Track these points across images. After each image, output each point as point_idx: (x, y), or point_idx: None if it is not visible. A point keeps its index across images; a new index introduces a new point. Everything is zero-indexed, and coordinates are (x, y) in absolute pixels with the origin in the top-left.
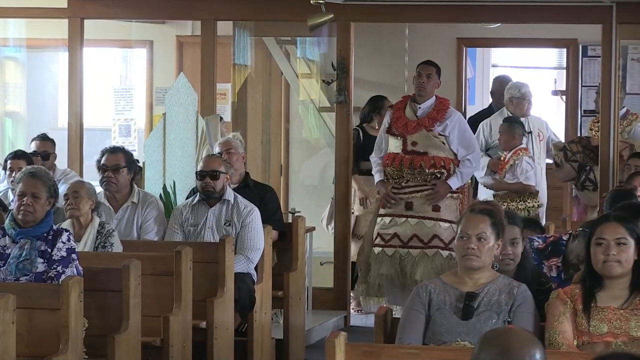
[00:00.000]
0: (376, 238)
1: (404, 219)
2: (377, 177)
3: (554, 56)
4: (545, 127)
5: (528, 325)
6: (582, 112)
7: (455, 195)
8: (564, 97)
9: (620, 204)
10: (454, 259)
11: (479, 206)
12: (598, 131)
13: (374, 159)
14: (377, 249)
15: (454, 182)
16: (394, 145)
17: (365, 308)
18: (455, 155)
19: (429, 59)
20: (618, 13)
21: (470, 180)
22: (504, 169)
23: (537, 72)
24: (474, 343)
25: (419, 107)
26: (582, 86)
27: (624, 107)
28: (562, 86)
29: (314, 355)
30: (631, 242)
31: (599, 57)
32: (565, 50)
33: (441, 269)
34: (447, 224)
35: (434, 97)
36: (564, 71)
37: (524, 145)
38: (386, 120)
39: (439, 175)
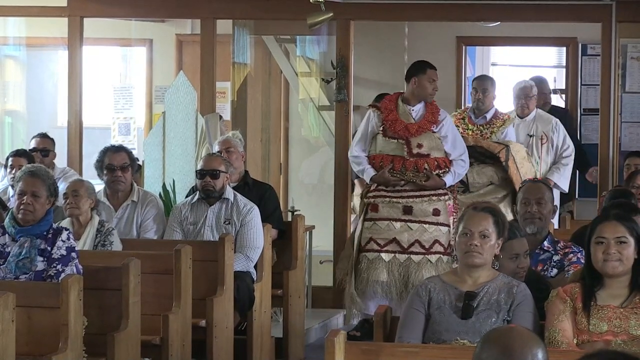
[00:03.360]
0: (368, 243)
1: (402, 223)
2: (371, 172)
3: (554, 55)
4: (552, 128)
5: (527, 324)
6: (582, 110)
7: (447, 197)
8: (563, 95)
9: (614, 202)
10: (456, 260)
11: (482, 204)
12: (468, 129)
13: (359, 158)
14: (371, 255)
15: (449, 180)
16: (390, 147)
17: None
18: (446, 154)
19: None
20: (618, 12)
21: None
22: None
23: (536, 70)
24: (473, 342)
25: (412, 110)
26: (581, 85)
27: (492, 107)
28: (562, 85)
29: (313, 353)
30: (631, 241)
31: (599, 55)
32: (564, 48)
33: None
34: (445, 228)
35: None
36: (564, 70)
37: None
38: (373, 121)
39: (441, 175)
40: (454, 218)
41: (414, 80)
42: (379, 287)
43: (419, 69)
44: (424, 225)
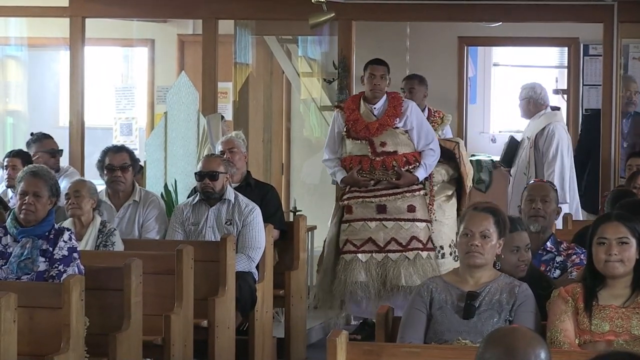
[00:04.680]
0: (345, 245)
1: (377, 222)
2: (340, 175)
3: (556, 55)
4: (541, 132)
5: (529, 324)
6: (584, 110)
7: (423, 192)
8: (565, 96)
9: (620, 202)
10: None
11: (483, 204)
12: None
13: (329, 161)
14: (348, 256)
15: (421, 174)
16: (357, 148)
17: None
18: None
19: (378, 58)
20: (619, 12)
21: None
22: None
23: (538, 70)
24: (475, 342)
25: (374, 107)
26: (583, 85)
27: (425, 106)
28: (564, 85)
29: (315, 354)
30: (633, 242)
31: (601, 55)
32: (566, 49)
33: (423, 272)
34: (423, 224)
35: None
36: (565, 70)
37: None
38: (339, 122)
39: (412, 170)
40: (432, 213)
41: (361, 79)
42: (358, 288)
43: (364, 67)
44: (400, 222)
